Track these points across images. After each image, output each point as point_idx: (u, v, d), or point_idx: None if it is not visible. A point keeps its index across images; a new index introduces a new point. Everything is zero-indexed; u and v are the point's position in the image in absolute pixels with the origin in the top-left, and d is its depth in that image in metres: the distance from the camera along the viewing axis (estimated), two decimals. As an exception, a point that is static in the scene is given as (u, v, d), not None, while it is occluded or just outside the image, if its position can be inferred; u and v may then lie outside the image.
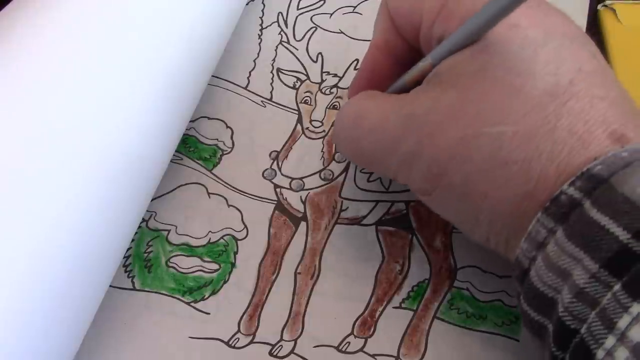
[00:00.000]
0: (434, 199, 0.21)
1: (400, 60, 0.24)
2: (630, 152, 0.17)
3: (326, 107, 0.31)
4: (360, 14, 0.34)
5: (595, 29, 0.32)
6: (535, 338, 0.19)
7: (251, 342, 0.25)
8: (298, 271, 0.26)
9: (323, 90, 0.31)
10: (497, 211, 0.19)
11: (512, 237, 0.19)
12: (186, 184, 0.29)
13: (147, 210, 0.27)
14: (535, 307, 0.18)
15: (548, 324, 0.18)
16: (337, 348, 0.24)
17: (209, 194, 0.28)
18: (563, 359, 0.18)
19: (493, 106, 0.19)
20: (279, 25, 0.33)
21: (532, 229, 0.18)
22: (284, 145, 0.29)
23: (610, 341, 0.16)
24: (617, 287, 0.16)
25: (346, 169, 0.29)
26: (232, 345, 0.25)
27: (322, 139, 0.30)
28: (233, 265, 0.26)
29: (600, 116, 0.18)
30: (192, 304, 0.26)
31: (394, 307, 0.25)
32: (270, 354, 0.24)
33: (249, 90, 0.31)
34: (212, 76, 0.31)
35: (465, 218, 0.21)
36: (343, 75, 0.31)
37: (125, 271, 0.26)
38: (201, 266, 0.26)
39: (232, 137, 0.30)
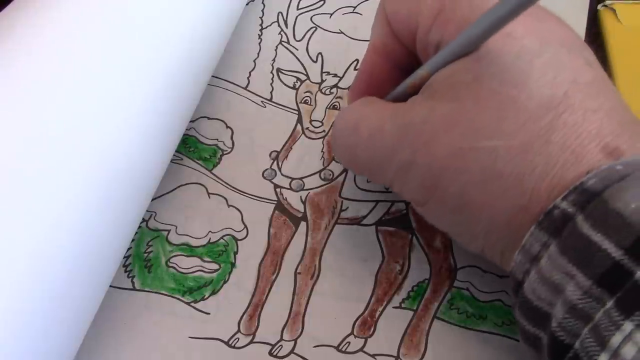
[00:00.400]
0: (429, 209, 0.21)
1: (398, 63, 0.24)
2: (624, 165, 0.17)
3: (326, 107, 0.31)
4: (360, 14, 0.34)
5: (595, 29, 0.32)
6: (530, 348, 0.19)
7: (251, 342, 0.25)
8: (298, 271, 0.26)
9: (323, 91, 0.31)
10: (492, 224, 0.19)
11: (507, 250, 0.19)
12: (186, 184, 0.29)
13: (147, 210, 0.27)
14: (529, 319, 0.18)
15: (543, 335, 0.18)
16: (337, 348, 0.24)
17: (209, 194, 0.28)
18: None
19: (488, 117, 0.19)
20: (279, 25, 0.34)
21: (525, 242, 0.18)
22: (284, 145, 0.30)
23: (603, 358, 0.16)
24: (609, 303, 0.16)
25: (346, 169, 0.29)
26: (232, 345, 0.25)
27: (322, 139, 0.30)
28: (233, 265, 0.26)
29: (593, 129, 0.18)
30: (192, 304, 0.26)
31: (394, 307, 0.25)
32: (270, 354, 0.24)
33: (249, 90, 0.31)
34: (212, 76, 0.31)
35: (460, 230, 0.21)
36: (343, 75, 0.31)
37: (125, 271, 0.26)
38: (201, 266, 0.26)
39: (232, 137, 0.30)
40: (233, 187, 0.28)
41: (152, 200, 0.27)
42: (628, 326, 0.15)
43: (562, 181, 0.18)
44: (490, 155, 0.19)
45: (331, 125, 0.30)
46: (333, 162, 0.29)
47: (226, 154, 0.29)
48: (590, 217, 0.17)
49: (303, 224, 0.27)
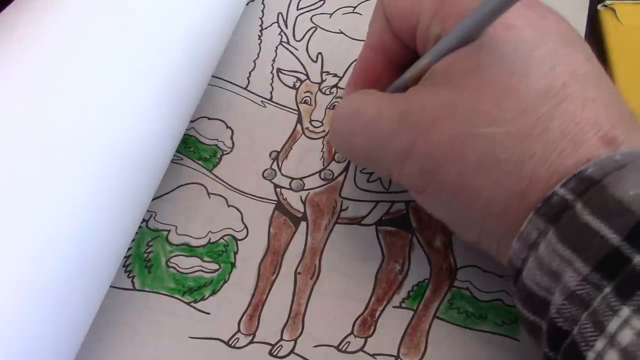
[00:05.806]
0: (427, 196, 0.21)
1: (394, 61, 0.24)
2: (624, 156, 0.17)
3: (326, 107, 0.31)
4: (360, 14, 0.34)
5: (595, 29, 0.32)
6: (531, 337, 0.19)
7: (251, 342, 0.25)
8: (298, 271, 0.26)
9: (323, 90, 0.31)
10: (489, 210, 0.19)
11: (503, 238, 0.19)
12: (186, 184, 0.29)
13: (147, 210, 0.27)
14: (528, 307, 0.18)
15: (542, 323, 0.18)
16: (337, 348, 0.24)
17: (209, 194, 0.28)
18: None
19: (487, 105, 0.19)
20: (279, 26, 0.34)
21: (523, 229, 0.18)
22: (284, 145, 0.30)
23: (600, 343, 0.16)
24: (607, 289, 0.16)
25: (346, 169, 0.29)
26: (232, 345, 0.25)
27: (322, 139, 0.30)
28: (233, 265, 0.26)
29: (592, 118, 0.18)
30: (192, 304, 0.26)
31: (394, 307, 0.25)
32: (270, 354, 0.24)
33: (249, 91, 0.31)
34: (212, 76, 0.31)
35: (457, 217, 0.21)
36: (343, 75, 0.31)
37: (125, 271, 0.26)
38: (201, 266, 0.26)
39: (232, 137, 0.30)
40: (233, 187, 0.28)
41: (152, 200, 0.27)
42: (625, 312, 0.15)
43: (560, 168, 0.18)
44: (488, 141, 0.19)
45: (331, 125, 0.30)
46: (333, 162, 0.29)
47: (226, 154, 0.29)
48: (589, 204, 0.17)
49: (303, 224, 0.27)
